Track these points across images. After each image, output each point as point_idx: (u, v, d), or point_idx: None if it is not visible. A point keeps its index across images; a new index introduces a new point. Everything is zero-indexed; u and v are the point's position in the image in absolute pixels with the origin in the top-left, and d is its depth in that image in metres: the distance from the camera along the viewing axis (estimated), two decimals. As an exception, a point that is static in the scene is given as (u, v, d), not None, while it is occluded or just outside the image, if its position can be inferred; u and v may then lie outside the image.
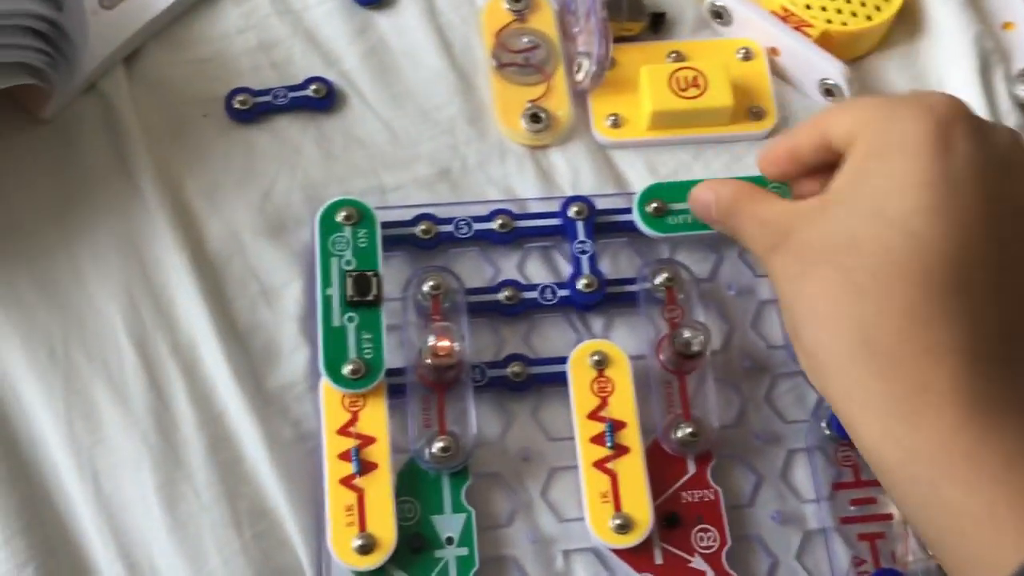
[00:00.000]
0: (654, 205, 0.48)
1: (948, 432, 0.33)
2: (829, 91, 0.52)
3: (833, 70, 0.51)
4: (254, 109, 0.50)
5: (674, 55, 0.53)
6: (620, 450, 0.43)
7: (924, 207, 0.35)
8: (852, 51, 0.54)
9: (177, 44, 0.51)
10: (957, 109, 0.37)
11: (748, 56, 0.53)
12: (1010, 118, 0.52)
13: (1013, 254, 0.36)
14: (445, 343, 0.42)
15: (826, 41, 0.52)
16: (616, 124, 0.51)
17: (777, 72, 0.53)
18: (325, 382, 0.43)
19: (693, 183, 0.48)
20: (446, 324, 0.43)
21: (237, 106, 0.50)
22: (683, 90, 0.50)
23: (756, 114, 0.52)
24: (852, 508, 0.44)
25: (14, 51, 0.43)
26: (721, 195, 0.41)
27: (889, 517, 0.44)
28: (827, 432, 0.45)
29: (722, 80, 0.50)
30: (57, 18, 0.44)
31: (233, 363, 0.44)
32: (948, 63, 0.54)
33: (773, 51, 0.53)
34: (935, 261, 0.34)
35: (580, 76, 0.52)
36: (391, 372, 0.44)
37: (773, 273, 0.38)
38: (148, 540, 0.42)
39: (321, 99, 0.50)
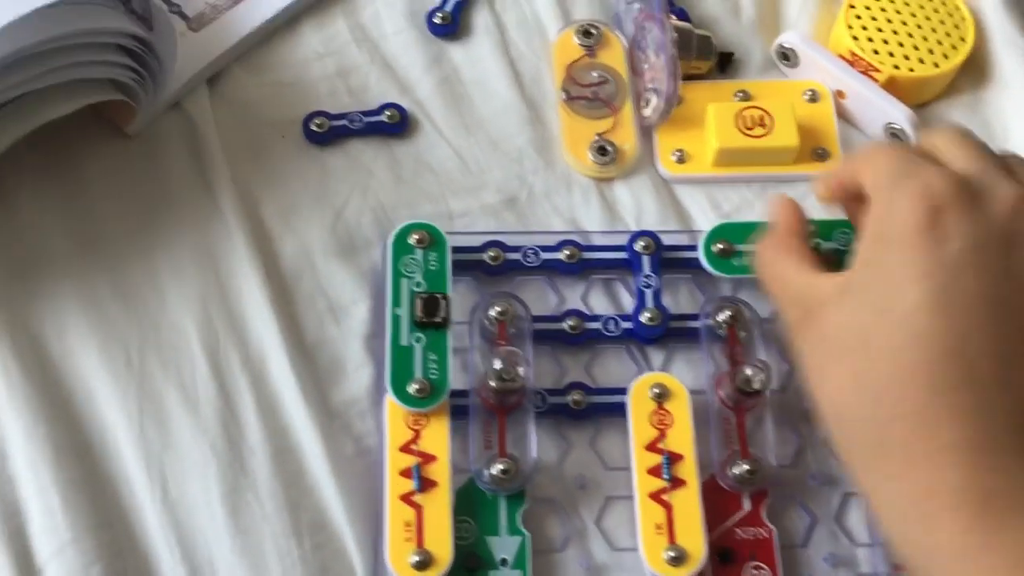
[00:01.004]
0: (720, 246, 0.48)
1: (960, 534, 0.33)
2: (895, 135, 0.52)
3: (899, 115, 0.52)
4: (330, 132, 0.51)
5: (741, 94, 0.53)
6: (676, 483, 0.44)
7: (926, 303, 0.35)
8: (918, 97, 0.54)
9: (259, 67, 0.53)
10: (952, 187, 0.37)
11: (815, 98, 0.53)
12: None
13: (1021, 336, 0.35)
14: (511, 368, 0.43)
15: (893, 86, 0.53)
16: (681, 159, 0.52)
17: (843, 115, 0.54)
18: (390, 399, 0.44)
19: (760, 224, 0.49)
20: (512, 349, 0.44)
21: (314, 128, 0.51)
22: (749, 129, 0.51)
23: (820, 155, 0.52)
24: (906, 553, 0.44)
25: (104, 67, 0.45)
26: (761, 249, 0.43)
27: (944, 563, 0.44)
28: (883, 475, 0.45)
29: (788, 120, 0.51)
30: (148, 37, 0.45)
31: (300, 377, 0.45)
32: (1013, 113, 0.54)
33: (840, 94, 0.53)
34: (940, 359, 0.34)
35: (648, 111, 0.52)
36: (454, 394, 0.45)
37: (798, 351, 0.39)
38: (211, 546, 0.42)
39: (394, 124, 0.52)
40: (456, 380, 0.45)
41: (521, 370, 0.43)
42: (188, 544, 0.42)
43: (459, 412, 0.45)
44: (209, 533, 0.43)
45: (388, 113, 0.52)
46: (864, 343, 0.36)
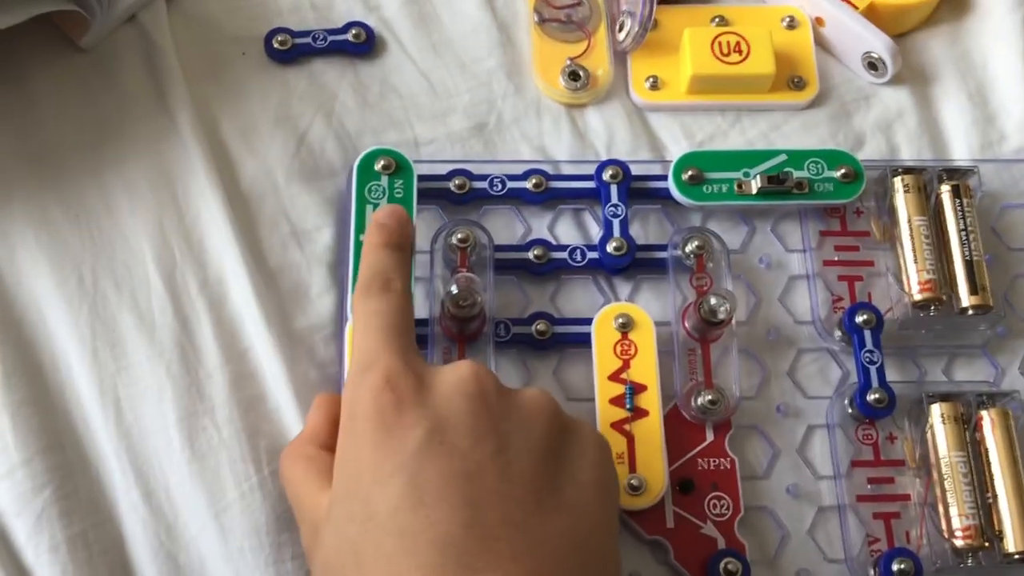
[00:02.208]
0: (690, 173, 0.47)
1: None
2: (873, 65, 0.51)
3: (878, 44, 0.51)
4: (293, 50, 0.50)
5: (718, 19, 0.52)
6: (639, 413, 0.43)
7: (403, 499, 0.34)
8: (898, 26, 0.53)
9: (219, -20, 0.51)
10: (384, 371, 0.36)
11: (793, 24, 0.52)
12: (1053, 102, 0.52)
13: (517, 495, 0.34)
14: (468, 294, 0.42)
15: (872, 14, 0.51)
16: (655, 86, 0.51)
17: (821, 43, 0.52)
18: (350, 326, 0.43)
19: (731, 153, 0.48)
20: (469, 275, 0.43)
21: (276, 46, 0.50)
22: (725, 55, 0.50)
23: (797, 84, 0.51)
24: (869, 487, 0.44)
25: (57, -24, 0.43)
26: (283, 456, 0.40)
27: (907, 498, 0.44)
28: (850, 410, 0.45)
29: (765, 47, 0.50)
30: (101, -54, 0.44)
31: (261, 301, 0.45)
32: (994, 43, 0.53)
33: (819, 21, 0.52)
34: (429, 556, 0.33)
35: (622, 36, 0.51)
36: (418, 323, 0.44)
37: None
38: (166, 470, 0.42)
39: (360, 44, 0.50)
40: (421, 310, 0.44)
41: (478, 296, 0.42)
42: (142, 468, 0.42)
43: (421, 341, 0.44)
44: (164, 457, 0.42)
45: (354, 32, 0.50)
46: (358, 560, 0.34)
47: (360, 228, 0.45)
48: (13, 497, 0.40)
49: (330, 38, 0.50)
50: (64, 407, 0.42)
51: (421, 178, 0.47)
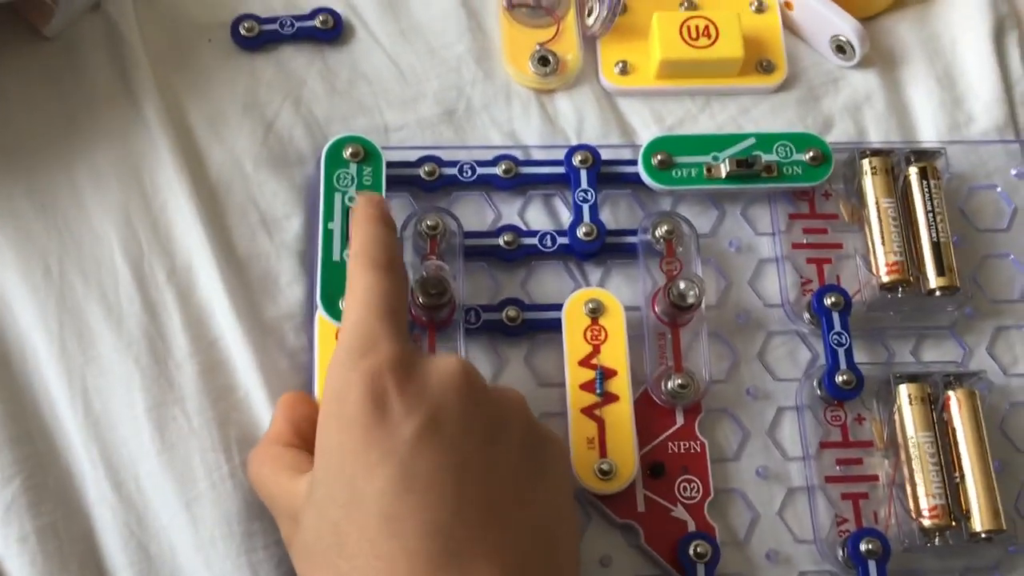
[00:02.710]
0: (659, 158, 0.48)
1: None
2: (841, 48, 0.51)
3: (846, 27, 0.51)
4: (260, 37, 0.49)
5: (687, 3, 0.52)
6: (609, 398, 0.43)
7: (391, 485, 0.34)
8: (866, 9, 0.53)
9: (184, -34, 0.51)
10: (385, 358, 0.36)
11: (761, 8, 0.52)
12: (1022, 84, 0.52)
13: (501, 488, 0.36)
14: (437, 281, 0.42)
15: (842, -3, 0.52)
16: (624, 71, 0.51)
17: (789, 26, 0.53)
18: (320, 315, 0.43)
19: (700, 137, 0.48)
20: (438, 262, 0.43)
21: (243, 33, 0.49)
22: (694, 39, 0.50)
23: (766, 67, 0.51)
24: (838, 468, 0.45)
25: (19, -36, 0.43)
26: (249, 460, 0.40)
27: (875, 478, 0.45)
28: (819, 392, 0.46)
29: (734, 31, 0.50)
30: (64, -67, 0.43)
31: (230, 290, 0.44)
32: (961, 25, 0.53)
33: (787, 4, 0.52)
34: (416, 541, 0.33)
35: (591, 20, 0.51)
36: (386, 309, 0.44)
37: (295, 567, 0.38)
38: (136, 460, 0.42)
39: (327, 30, 0.50)
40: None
41: (448, 284, 0.42)
42: (112, 459, 0.42)
43: (391, 327, 0.44)
44: (134, 447, 0.42)
45: (321, 18, 0.50)
46: (339, 541, 0.34)
47: (328, 216, 0.45)
48: (-18, 489, 0.40)
49: (297, 24, 0.50)
50: (32, 398, 0.42)
51: (391, 165, 0.46)
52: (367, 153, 0.46)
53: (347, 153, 0.46)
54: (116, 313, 0.44)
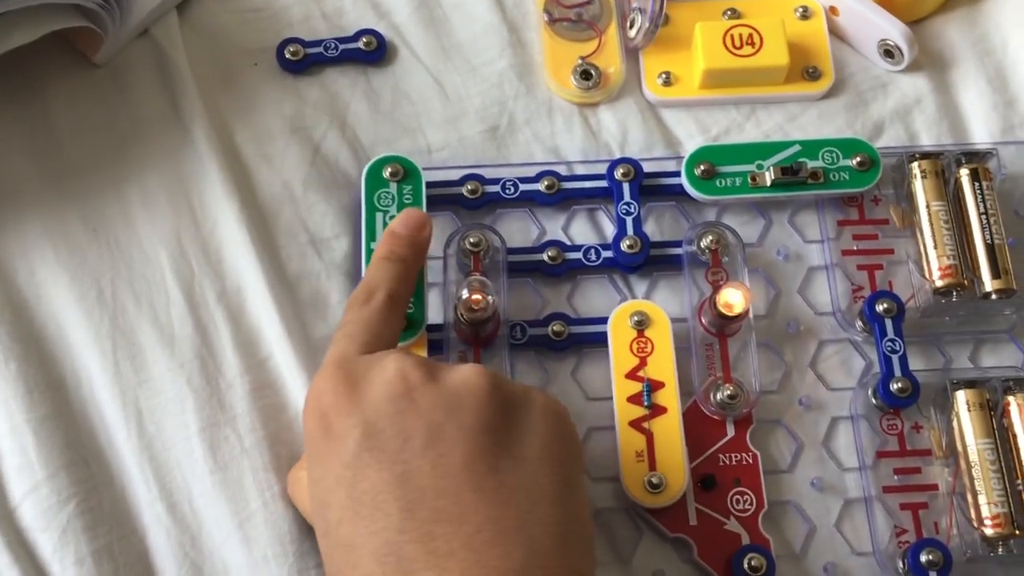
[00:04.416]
0: (703, 167, 0.47)
1: None
2: (889, 52, 0.51)
3: (894, 31, 0.50)
4: (305, 60, 0.50)
5: (730, 12, 0.52)
6: (657, 410, 0.43)
7: (343, 512, 0.34)
8: (914, 12, 0.52)
9: (230, -7, 0.51)
10: (326, 379, 0.36)
11: (806, 15, 0.52)
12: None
13: (452, 488, 0.34)
14: (478, 296, 0.42)
15: (887, 1, 0.51)
16: (667, 82, 0.50)
17: (835, 32, 0.52)
18: (366, 333, 0.43)
19: (744, 145, 0.48)
20: (480, 278, 0.43)
21: (288, 56, 0.50)
22: (738, 48, 0.49)
23: (812, 74, 0.51)
24: (896, 478, 0.44)
25: (69, -5, 0.44)
26: (287, 484, 0.42)
27: (934, 488, 0.44)
28: (874, 401, 0.45)
29: (778, 38, 0.49)
30: (112, -37, 0.44)
31: (280, 310, 0.45)
32: (1012, 25, 0.52)
33: (832, 10, 0.52)
34: (370, 567, 0.33)
35: (633, 32, 0.51)
36: (432, 328, 0.44)
37: None
38: (189, 481, 0.42)
39: (371, 52, 0.50)
40: (435, 315, 0.45)
41: (490, 299, 0.42)
42: (165, 479, 0.42)
43: (436, 346, 0.44)
44: (187, 468, 0.42)
45: (365, 40, 0.50)
46: (328, 572, 0.36)
47: (371, 236, 0.45)
48: (38, 512, 0.41)
49: (341, 47, 0.50)
50: (87, 421, 0.43)
51: (434, 184, 0.47)
52: (406, 172, 0.46)
53: (387, 173, 0.46)
54: (168, 334, 0.44)
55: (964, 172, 0.47)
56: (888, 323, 0.45)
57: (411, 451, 0.35)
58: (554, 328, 0.45)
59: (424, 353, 0.44)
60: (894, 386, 0.44)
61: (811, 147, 0.48)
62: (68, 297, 0.45)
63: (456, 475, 0.34)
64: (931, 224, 0.46)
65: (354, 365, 0.37)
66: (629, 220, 0.47)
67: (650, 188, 0.48)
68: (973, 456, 0.43)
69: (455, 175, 0.48)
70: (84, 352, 0.44)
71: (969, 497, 0.43)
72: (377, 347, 0.38)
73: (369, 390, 0.36)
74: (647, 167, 0.48)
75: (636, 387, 0.43)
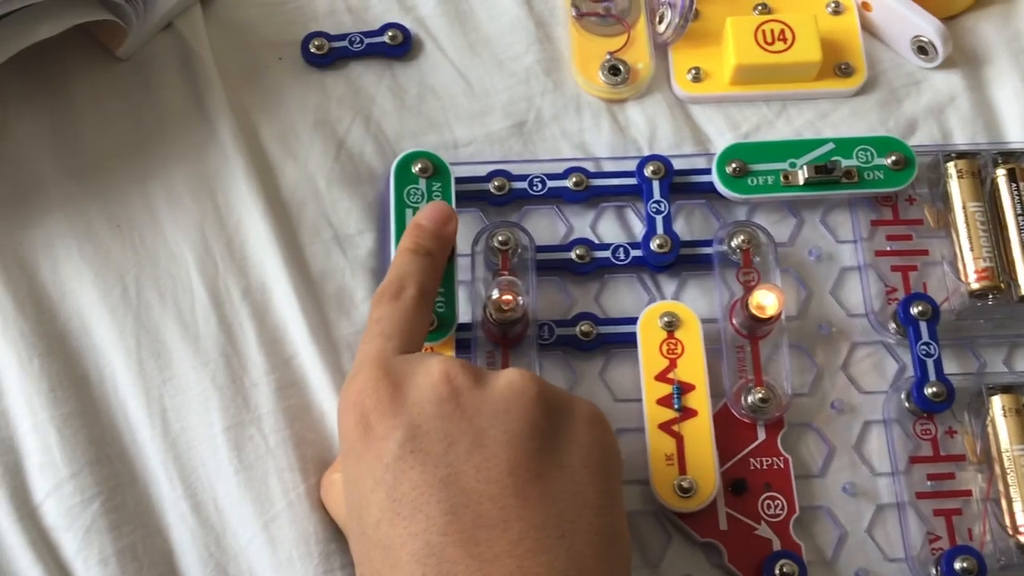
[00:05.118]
0: (734, 166, 0.46)
1: None
2: (922, 49, 0.50)
3: (928, 27, 0.49)
4: (330, 54, 0.49)
5: (761, 7, 0.51)
6: (687, 413, 0.42)
7: (383, 513, 0.34)
8: (948, 8, 0.51)
9: (254, -14, 0.51)
10: (367, 379, 0.36)
11: (838, 10, 0.51)
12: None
13: (495, 493, 0.34)
14: (508, 297, 0.42)
15: (922, -3, 0.50)
16: (697, 78, 0.50)
17: (868, 28, 0.51)
18: (392, 332, 0.43)
19: (776, 143, 0.47)
20: (511, 278, 0.43)
21: (313, 50, 0.49)
22: (769, 44, 0.49)
23: (844, 70, 0.50)
24: (929, 483, 0.43)
25: (93, -13, 0.44)
26: (320, 486, 0.42)
27: (968, 493, 0.43)
28: (907, 405, 0.44)
29: (810, 34, 0.49)
30: (136, -44, 0.44)
31: (305, 308, 0.44)
32: (1049, 24, 0.51)
33: (865, 5, 0.51)
34: (411, 568, 0.33)
35: (662, 27, 0.50)
36: (462, 327, 0.44)
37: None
38: (214, 481, 0.42)
39: (397, 46, 0.50)
40: (464, 314, 0.44)
41: (520, 299, 0.42)
42: (190, 479, 0.42)
43: (463, 346, 0.44)
44: (211, 467, 0.42)
45: (390, 34, 0.50)
46: (362, 572, 0.35)
47: (400, 231, 0.44)
48: (62, 511, 0.40)
49: (367, 41, 0.50)
50: (111, 419, 0.43)
51: (460, 180, 0.46)
52: (436, 168, 0.46)
53: (416, 168, 0.45)
54: (193, 332, 0.44)
55: (1001, 172, 0.46)
56: (923, 326, 0.44)
57: (455, 455, 0.34)
58: (582, 328, 0.44)
59: (452, 353, 0.43)
60: (928, 390, 0.43)
61: (845, 145, 0.47)
62: (92, 294, 0.44)
63: (500, 480, 0.34)
64: (967, 225, 0.45)
65: (396, 365, 0.36)
66: (659, 219, 0.46)
67: (680, 186, 0.47)
68: (1008, 462, 0.42)
69: (482, 171, 0.47)
70: (108, 349, 0.43)
71: (1003, 503, 0.42)
72: (412, 345, 0.38)
73: (413, 392, 0.35)
74: (676, 164, 0.47)
75: (666, 389, 0.43)
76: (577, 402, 0.36)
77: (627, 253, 0.46)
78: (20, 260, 0.44)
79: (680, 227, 0.47)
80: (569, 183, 0.47)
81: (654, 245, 0.45)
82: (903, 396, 0.44)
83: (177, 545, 0.41)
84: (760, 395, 0.43)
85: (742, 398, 0.43)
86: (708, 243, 0.46)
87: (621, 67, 0.49)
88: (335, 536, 0.41)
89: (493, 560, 0.33)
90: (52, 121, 0.47)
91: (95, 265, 0.45)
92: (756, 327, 0.44)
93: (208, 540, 0.41)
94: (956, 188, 0.46)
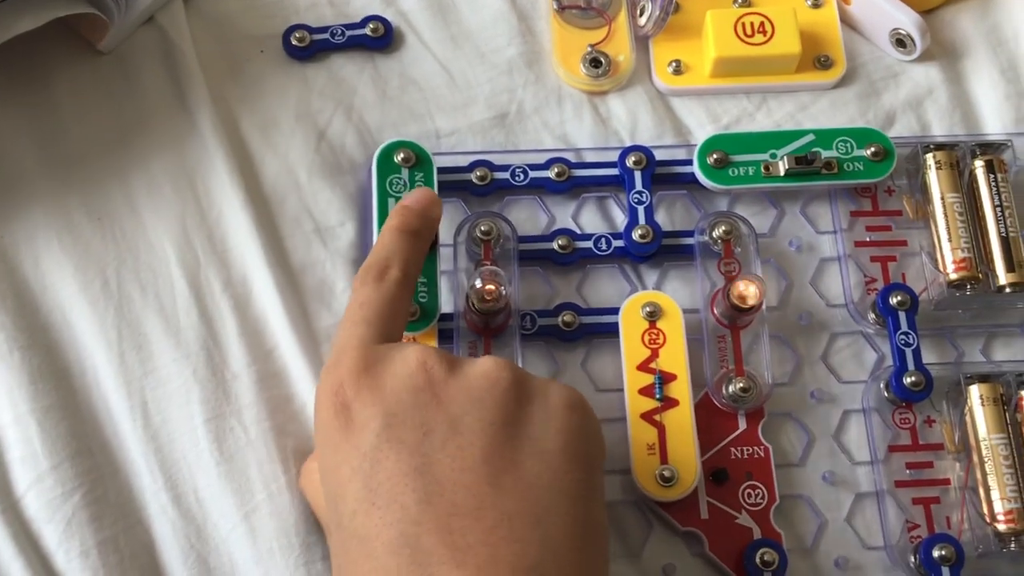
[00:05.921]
0: (715, 156, 0.47)
1: None
2: (901, 42, 0.50)
3: (906, 20, 0.49)
4: (311, 46, 0.49)
5: (741, 0, 0.51)
6: (669, 402, 0.43)
7: (359, 503, 0.34)
8: (926, 2, 0.52)
9: (235, -22, 0.51)
10: (346, 366, 0.36)
11: (818, 3, 0.51)
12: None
13: (469, 482, 0.34)
14: (490, 287, 0.42)
15: (900, -10, 0.50)
16: (678, 70, 0.50)
17: (847, 21, 0.51)
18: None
19: (757, 134, 0.48)
20: (493, 268, 0.43)
21: (295, 43, 0.49)
22: (749, 36, 0.49)
23: (824, 63, 0.50)
24: (908, 472, 0.43)
25: (74, -20, 0.43)
26: (299, 476, 0.42)
27: (946, 482, 0.43)
28: (886, 394, 0.44)
29: (790, 27, 0.49)
30: (117, -52, 0.43)
31: (285, 300, 0.44)
32: (1024, 17, 0.52)
33: (845, -1, 0.51)
34: (385, 559, 0.33)
35: (643, 20, 0.50)
36: (444, 317, 0.44)
37: None
38: (194, 472, 0.42)
39: (378, 38, 0.50)
40: (447, 304, 0.44)
41: (503, 289, 0.42)
42: (171, 470, 0.42)
43: (446, 336, 0.44)
44: (192, 459, 0.42)
45: (372, 26, 0.50)
46: (338, 564, 0.35)
47: (382, 222, 0.44)
48: (43, 503, 0.40)
49: (348, 33, 0.50)
50: (92, 411, 0.42)
51: (443, 170, 0.46)
52: (418, 158, 0.46)
53: (398, 158, 0.45)
54: (174, 325, 0.44)
55: (979, 164, 0.47)
56: (902, 316, 0.44)
57: (431, 444, 0.34)
58: (564, 318, 0.45)
59: (434, 343, 0.43)
60: (907, 380, 0.43)
61: (825, 136, 0.47)
62: (73, 286, 0.44)
63: (475, 468, 0.34)
64: (946, 216, 0.46)
65: (375, 354, 0.36)
66: (641, 209, 0.46)
67: (661, 177, 0.47)
68: (986, 451, 0.43)
69: (464, 161, 0.47)
70: (89, 342, 0.43)
71: (981, 492, 0.43)
72: (393, 331, 0.38)
73: (391, 381, 0.35)
74: (657, 156, 0.47)
75: (648, 379, 0.43)
76: (555, 388, 0.36)
77: (609, 243, 0.46)
78: (1, 253, 0.44)
79: (662, 217, 0.47)
80: (551, 174, 0.47)
81: (636, 235, 0.46)
82: (882, 385, 0.45)
83: (158, 536, 0.41)
84: (741, 385, 0.43)
85: (723, 388, 0.44)
86: (690, 233, 0.46)
87: (602, 59, 0.49)
88: (316, 527, 0.41)
89: (467, 549, 0.32)
90: (33, 114, 0.47)
91: (75, 258, 0.44)
92: (737, 317, 0.44)
93: (189, 531, 0.41)
94: (935, 179, 0.47)
